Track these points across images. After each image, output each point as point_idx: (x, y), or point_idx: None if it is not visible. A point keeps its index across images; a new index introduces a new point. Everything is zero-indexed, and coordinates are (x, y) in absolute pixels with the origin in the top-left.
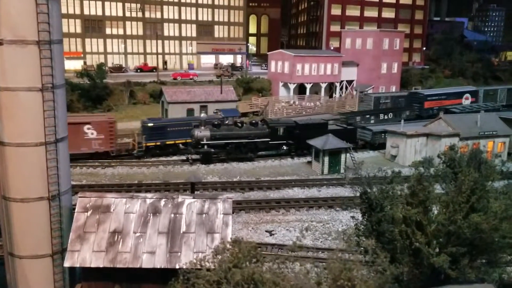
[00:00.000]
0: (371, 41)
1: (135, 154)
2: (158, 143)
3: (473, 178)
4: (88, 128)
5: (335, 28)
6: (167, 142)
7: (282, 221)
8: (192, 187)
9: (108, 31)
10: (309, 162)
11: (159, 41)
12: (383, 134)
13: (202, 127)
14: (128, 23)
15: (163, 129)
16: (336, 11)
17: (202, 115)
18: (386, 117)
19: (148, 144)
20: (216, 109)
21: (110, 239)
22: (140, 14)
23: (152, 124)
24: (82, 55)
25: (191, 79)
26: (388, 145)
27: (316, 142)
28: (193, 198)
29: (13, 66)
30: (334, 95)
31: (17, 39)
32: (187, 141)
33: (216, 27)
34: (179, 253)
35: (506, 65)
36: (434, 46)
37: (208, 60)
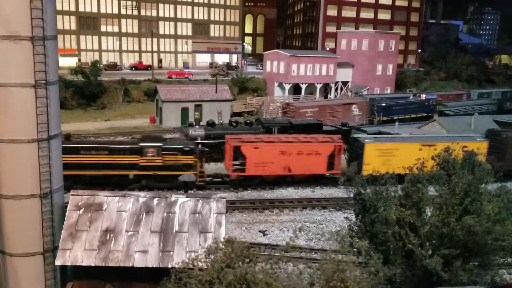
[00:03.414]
0: (367, 42)
1: (376, 121)
2: (387, 118)
3: (466, 180)
4: (354, 107)
5: (331, 29)
6: (394, 118)
7: (275, 221)
8: (185, 186)
9: (103, 28)
10: None
11: (155, 39)
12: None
13: (197, 126)
14: (123, 21)
15: (390, 108)
16: (332, 12)
17: (410, 97)
18: None
19: (383, 119)
20: (416, 93)
21: (102, 238)
22: (135, 12)
23: (384, 104)
24: (76, 52)
25: (186, 77)
26: None
27: None
28: (187, 197)
29: (6, 62)
30: (329, 95)
31: (10, 35)
32: (406, 116)
33: (212, 26)
34: (171, 253)
35: (501, 68)
36: (429, 48)
37: (203, 59)
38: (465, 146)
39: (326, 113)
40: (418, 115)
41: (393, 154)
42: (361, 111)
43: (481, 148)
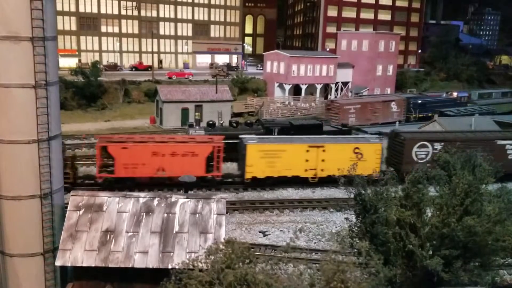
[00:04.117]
0: (367, 43)
1: (412, 118)
2: (423, 115)
3: (467, 181)
4: (393, 104)
5: (331, 29)
6: (429, 114)
7: (275, 222)
8: (185, 187)
9: (103, 29)
10: None
11: (155, 40)
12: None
13: (197, 127)
14: (123, 21)
15: (425, 105)
16: (332, 12)
17: (443, 95)
18: None
19: (419, 115)
20: (448, 91)
21: (102, 238)
22: (135, 13)
23: (420, 101)
24: (77, 53)
25: (186, 78)
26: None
27: None
28: (187, 197)
29: (6, 63)
30: (329, 96)
31: (11, 35)
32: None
33: (212, 26)
34: (171, 253)
35: (501, 69)
36: (430, 49)
37: (203, 59)
38: (357, 148)
39: (367, 110)
40: None
41: (278, 155)
42: (399, 108)
43: (374, 150)
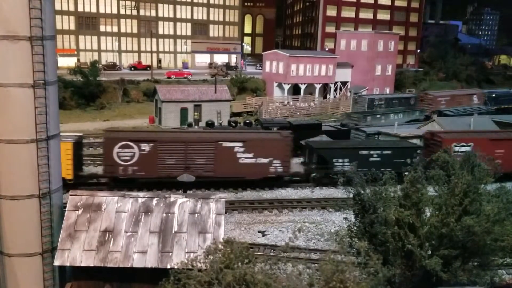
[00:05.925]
0: (366, 42)
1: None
2: (497, 107)
3: (466, 181)
4: (475, 97)
5: (330, 29)
6: (501, 106)
7: (274, 221)
8: (184, 187)
9: (102, 28)
10: (303, 163)
11: (154, 39)
12: (377, 136)
13: (196, 127)
14: (122, 21)
15: (498, 98)
16: (331, 12)
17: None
18: None
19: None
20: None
21: (101, 238)
22: (134, 12)
23: (494, 95)
24: (75, 52)
25: (185, 78)
26: None
27: (309, 142)
28: (186, 197)
29: (4, 62)
30: (328, 96)
31: (9, 35)
32: (510, 106)
33: (211, 26)
34: (170, 253)
35: (499, 68)
36: (429, 48)
37: (202, 59)
38: None
39: (455, 101)
40: None
41: None
42: (479, 101)
43: (64, 150)
